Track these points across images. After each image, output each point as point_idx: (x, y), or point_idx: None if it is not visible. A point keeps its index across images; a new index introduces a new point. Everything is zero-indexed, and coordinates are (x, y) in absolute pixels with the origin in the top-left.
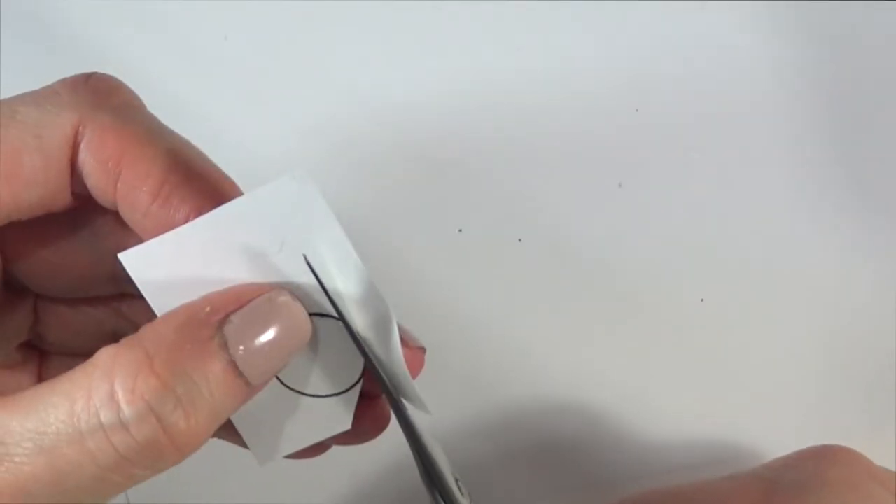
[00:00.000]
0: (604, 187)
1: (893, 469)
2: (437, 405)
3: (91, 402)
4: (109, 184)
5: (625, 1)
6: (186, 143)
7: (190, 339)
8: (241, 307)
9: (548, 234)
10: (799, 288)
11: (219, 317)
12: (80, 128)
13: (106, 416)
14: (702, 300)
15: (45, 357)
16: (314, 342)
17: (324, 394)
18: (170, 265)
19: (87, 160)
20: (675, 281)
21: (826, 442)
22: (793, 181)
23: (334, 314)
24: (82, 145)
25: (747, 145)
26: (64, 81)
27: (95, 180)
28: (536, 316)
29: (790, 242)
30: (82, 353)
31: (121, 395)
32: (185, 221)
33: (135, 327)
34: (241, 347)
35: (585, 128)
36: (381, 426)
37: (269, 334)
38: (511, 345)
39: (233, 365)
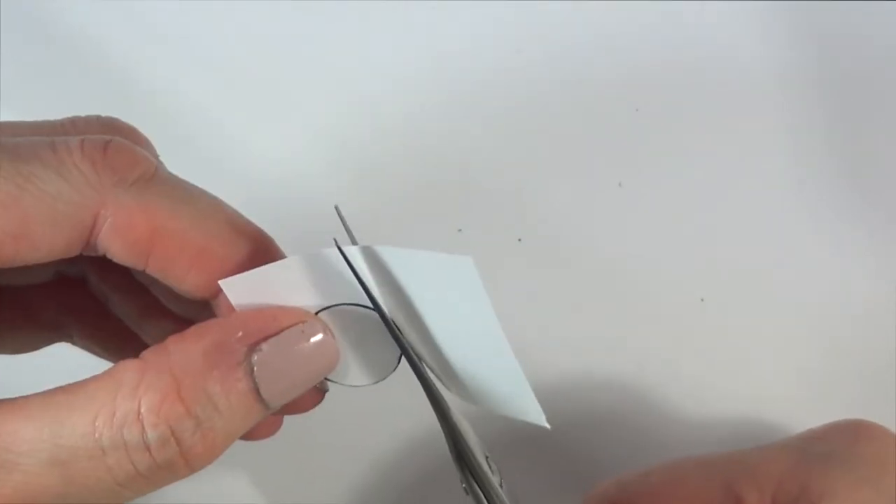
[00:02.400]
0: (604, 187)
1: None
2: None
3: (115, 419)
4: (139, 259)
5: (625, 1)
6: (215, 203)
7: (217, 365)
8: (273, 335)
9: (548, 234)
10: (799, 287)
11: (249, 343)
12: (102, 211)
13: (129, 435)
14: (702, 300)
15: None
16: (356, 333)
17: (361, 384)
18: (274, 292)
19: (112, 241)
20: (675, 281)
21: None
22: (793, 181)
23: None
24: (106, 227)
25: (747, 145)
26: (83, 149)
27: (122, 256)
28: (536, 316)
29: (790, 242)
30: (27, 289)
31: (146, 418)
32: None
33: (72, 312)
34: (267, 375)
35: (585, 128)
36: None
37: (296, 366)
38: (510, 344)
39: (255, 391)
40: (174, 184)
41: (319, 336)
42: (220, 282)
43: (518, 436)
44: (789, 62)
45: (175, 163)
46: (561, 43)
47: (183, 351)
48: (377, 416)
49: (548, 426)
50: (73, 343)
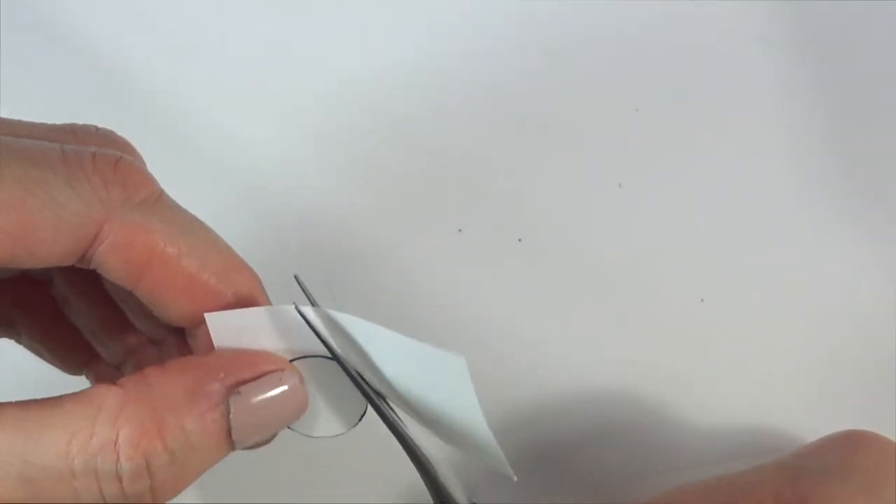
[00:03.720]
0: (604, 187)
1: None
2: None
3: (90, 444)
4: (131, 279)
5: (625, 1)
6: (212, 236)
7: (197, 404)
8: (252, 379)
9: (548, 234)
10: (799, 288)
11: (229, 384)
12: (106, 226)
13: (102, 463)
14: (702, 300)
15: None
16: (326, 385)
17: (328, 434)
18: (254, 333)
19: (109, 257)
20: (675, 281)
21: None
22: (793, 181)
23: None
24: (106, 243)
25: (747, 145)
26: (95, 163)
27: (115, 275)
28: (536, 316)
29: (790, 242)
30: None
31: (123, 449)
32: (209, 313)
33: (26, 310)
34: (240, 418)
35: (585, 128)
36: None
37: (268, 411)
38: (511, 345)
39: (227, 432)
40: (176, 210)
41: (295, 384)
42: (206, 315)
43: (518, 436)
44: (789, 62)
45: (175, 163)
46: (561, 43)
47: (165, 385)
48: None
49: (514, 478)
50: (19, 341)
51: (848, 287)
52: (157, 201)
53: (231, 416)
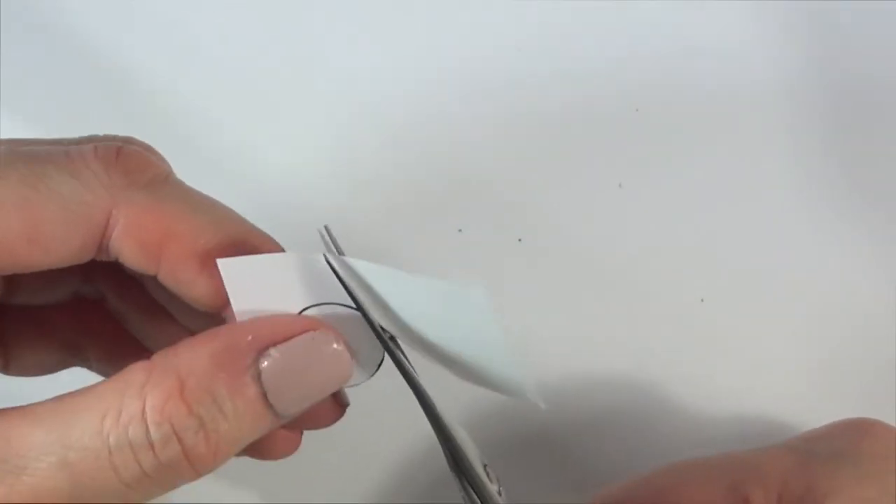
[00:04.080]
0: (604, 187)
1: None
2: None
3: (121, 418)
4: (150, 262)
5: (625, 1)
6: (226, 209)
7: (224, 367)
8: (282, 341)
9: (548, 234)
10: (799, 287)
11: (258, 347)
12: (114, 212)
13: (134, 433)
14: (702, 300)
15: (6, 313)
16: (344, 333)
17: (351, 383)
18: (267, 282)
19: (124, 242)
20: (675, 281)
21: None
22: (793, 181)
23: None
24: (118, 229)
25: (747, 145)
26: (96, 153)
27: (134, 260)
28: (536, 316)
29: (790, 242)
30: (44, 310)
31: (150, 416)
32: None
33: (89, 333)
34: (275, 382)
35: (585, 128)
36: (335, 417)
37: (306, 373)
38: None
39: (263, 397)
40: (186, 189)
41: (332, 345)
42: (217, 260)
43: (518, 437)
44: (789, 62)
45: (175, 163)
46: (561, 43)
47: (191, 352)
48: (383, 420)
49: (543, 405)
50: (90, 367)
51: (848, 287)
52: (165, 182)
53: (263, 379)
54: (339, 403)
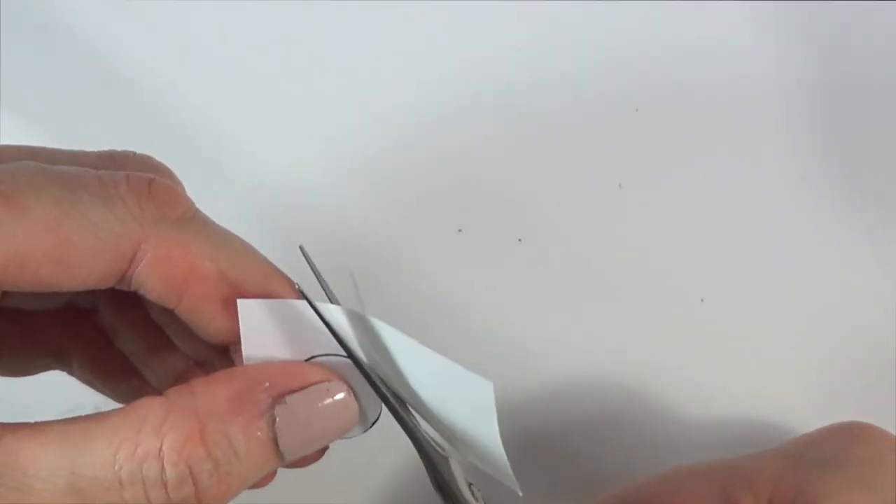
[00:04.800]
0: (604, 187)
1: None
2: None
3: (136, 453)
4: (172, 297)
5: (625, 1)
6: (249, 248)
7: (242, 412)
8: (298, 389)
9: (548, 234)
10: (799, 287)
11: (275, 394)
12: (143, 245)
13: (148, 470)
14: (702, 300)
15: None
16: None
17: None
18: (280, 326)
19: (149, 275)
20: (675, 281)
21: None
22: (793, 180)
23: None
24: (145, 261)
25: (747, 145)
26: (128, 182)
27: (156, 293)
28: (536, 316)
29: (790, 242)
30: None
31: (167, 456)
32: None
33: (77, 341)
34: (287, 428)
35: (585, 128)
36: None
37: (316, 422)
38: (511, 345)
39: (274, 441)
40: (212, 226)
41: (343, 396)
42: (238, 301)
43: (516, 441)
44: (789, 62)
45: (174, 163)
46: (561, 43)
47: (209, 394)
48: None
49: (520, 493)
50: (71, 373)
51: (848, 287)
52: (193, 218)
53: (276, 425)
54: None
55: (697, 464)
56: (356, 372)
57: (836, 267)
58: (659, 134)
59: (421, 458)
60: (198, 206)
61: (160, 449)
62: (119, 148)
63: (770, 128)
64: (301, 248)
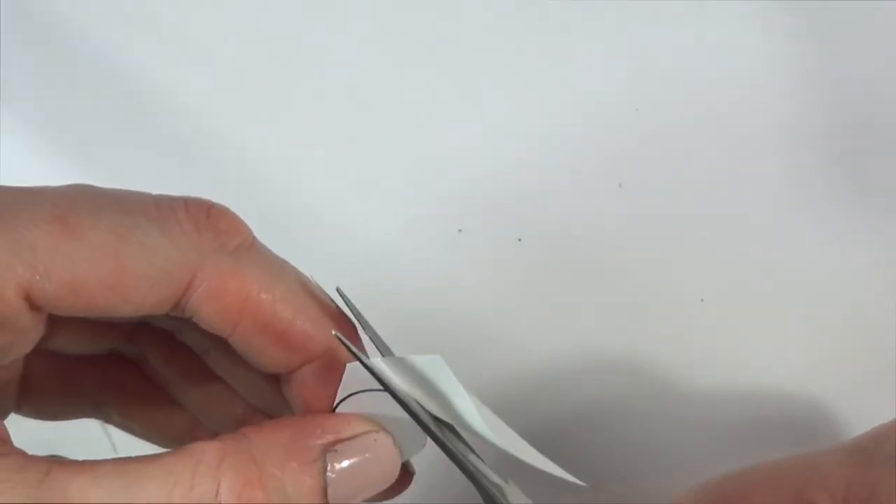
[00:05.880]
0: (604, 187)
1: None
2: None
3: (192, 494)
4: (226, 326)
5: (625, 1)
6: (302, 278)
7: (296, 458)
8: (348, 438)
9: (548, 234)
10: (799, 287)
11: (327, 441)
12: (200, 273)
13: None
14: (702, 300)
15: (41, 354)
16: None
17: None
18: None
19: (204, 304)
20: (675, 281)
21: (826, 439)
22: (793, 180)
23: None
24: (200, 290)
25: (747, 145)
26: (187, 209)
27: (210, 322)
28: (536, 316)
29: (790, 242)
30: (78, 360)
31: (225, 497)
32: (300, 364)
33: (117, 391)
34: (338, 477)
35: (585, 128)
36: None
37: (363, 472)
38: (511, 345)
39: (324, 490)
40: (269, 256)
41: (390, 447)
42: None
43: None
44: (789, 62)
45: (174, 162)
46: (560, 43)
47: (264, 440)
48: None
49: (583, 484)
50: (108, 421)
51: (848, 287)
52: (251, 247)
53: (328, 473)
54: (407, 472)
55: (771, 461)
56: (388, 411)
57: (836, 267)
58: (659, 134)
59: (474, 485)
60: None
61: (217, 491)
62: (119, 148)
63: (770, 128)
64: (339, 291)
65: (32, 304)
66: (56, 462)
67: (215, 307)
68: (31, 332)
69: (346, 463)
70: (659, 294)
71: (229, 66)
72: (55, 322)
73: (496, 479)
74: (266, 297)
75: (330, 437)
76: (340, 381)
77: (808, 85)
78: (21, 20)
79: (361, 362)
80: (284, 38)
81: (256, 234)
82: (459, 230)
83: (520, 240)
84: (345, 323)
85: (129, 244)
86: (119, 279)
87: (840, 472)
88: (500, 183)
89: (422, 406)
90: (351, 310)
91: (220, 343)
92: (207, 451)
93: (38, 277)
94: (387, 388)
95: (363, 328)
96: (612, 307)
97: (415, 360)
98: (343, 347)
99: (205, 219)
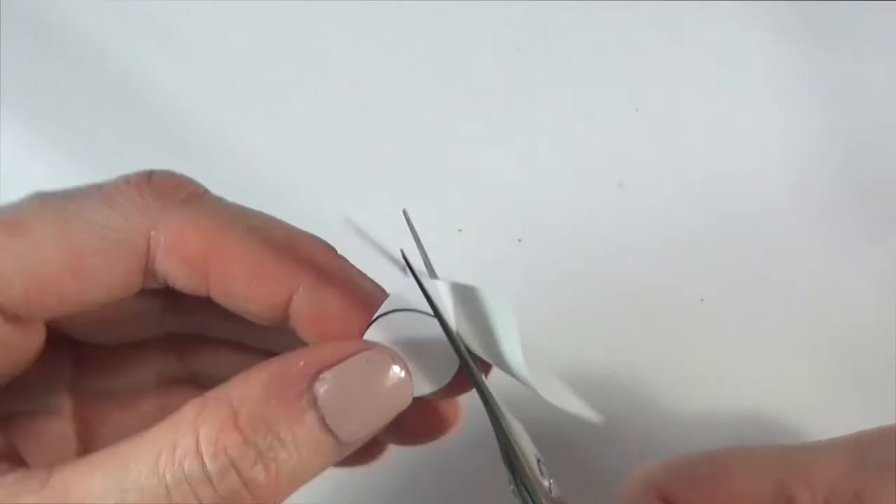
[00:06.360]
0: (604, 187)
1: None
2: None
3: (176, 454)
4: (198, 279)
5: (625, 1)
6: (264, 218)
7: (277, 395)
8: (336, 363)
9: (548, 234)
10: (799, 287)
11: (311, 372)
12: (153, 233)
13: (190, 468)
14: (702, 300)
15: (89, 400)
16: (414, 341)
17: (419, 394)
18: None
19: (169, 262)
20: (675, 281)
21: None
22: (793, 180)
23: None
24: (160, 250)
25: (747, 145)
26: (128, 182)
27: (183, 279)
28: (536, 316)
29: (790, 242)
30: (127, 395)
31: (204, 448)
32: (288, 295)
33: (181, 365)
34: (334, 407)
35: (585, 128)
36: (442, 430)
37: (365, 396)
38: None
39: (322, 422)
40: (225, 202)
41: (389, 365)
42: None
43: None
44: (789, 62)
45: (174, 163)
46: (560, 43)
47: (243, 383)
48: None
49: (601, 420)
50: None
51: (848, 287)
52: (202, 197)
53: (320, 403)
54: (455, 407)
55: (750, 447)
56: (425, 328)
57: (836, 266)
58: (659, 134)
59: (495, 431)
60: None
61: (196, 443)
62: (119, 148)
63: (770, 127)
64: (404, 213)
65: (5, 314)
66: (54, 468)
67: (179, 261)
68: (21, 344)
69: (336, 388)
70: (659, 294)
71: (229, 66)
72: (82, 357)
73: (517, 425)
74: (229, 238)
75: (315, 366)
76: (342, 304)
77: (808, 85)
78: (21, 20)
79: (417, 282)
80: (285, 39)
81: None
82: (459, 230)
83: (520, 240)
84: (315, 247)
85: (76, 225)
86: (78, 260)
87: (825, 470)
88: (500, 183)
89: (462, 338)
90: (412, 232)
91: (240, 320)
92: (188, 407)
93: None
94: (436, 311)
95: (421, 253)
96: (612, 307)
97: (482, 291)
98: (326, 271)
99: (146, 184)
